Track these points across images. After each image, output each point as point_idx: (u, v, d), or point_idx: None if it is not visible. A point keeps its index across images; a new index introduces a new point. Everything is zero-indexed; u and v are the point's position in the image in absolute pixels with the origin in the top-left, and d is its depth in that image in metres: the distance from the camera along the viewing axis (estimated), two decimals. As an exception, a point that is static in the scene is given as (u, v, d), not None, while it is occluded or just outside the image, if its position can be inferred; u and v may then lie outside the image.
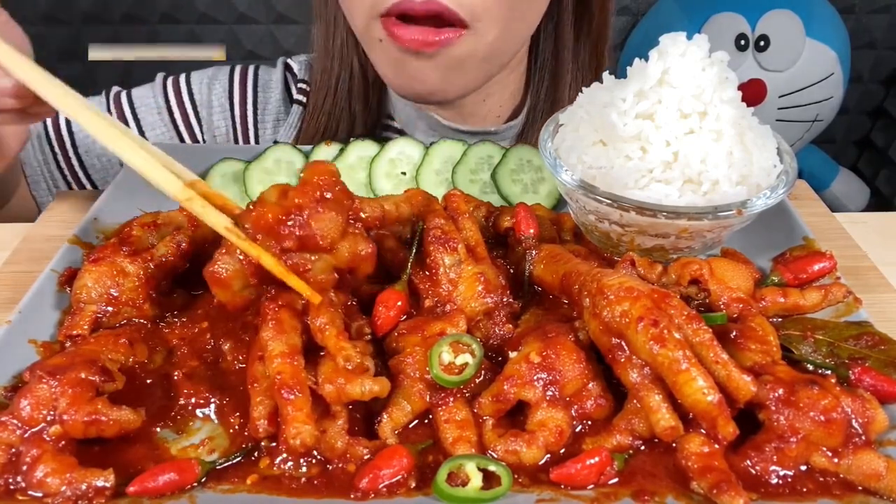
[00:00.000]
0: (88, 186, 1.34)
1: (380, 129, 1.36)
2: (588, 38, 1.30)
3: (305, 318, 0.73)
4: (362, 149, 1.06)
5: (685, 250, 0.90)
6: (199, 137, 1.36)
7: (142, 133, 1.33)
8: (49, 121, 1.32)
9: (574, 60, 1.30)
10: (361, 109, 1.31)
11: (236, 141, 1.37)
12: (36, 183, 1.32)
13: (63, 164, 1.33)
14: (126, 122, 1.32)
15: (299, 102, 1.36)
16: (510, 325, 0.78)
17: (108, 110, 1.34)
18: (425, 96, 1.15)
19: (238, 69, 1.42)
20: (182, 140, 1.35)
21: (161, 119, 1.35)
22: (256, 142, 1.37)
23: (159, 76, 1.40)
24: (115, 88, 1.37)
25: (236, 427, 0.71)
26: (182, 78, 1.39)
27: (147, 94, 1.36)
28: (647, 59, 0.86)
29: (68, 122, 1.33)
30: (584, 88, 0.93)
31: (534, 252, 0.86)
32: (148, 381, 0.76)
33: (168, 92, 1.37)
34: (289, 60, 1.45)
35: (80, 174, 1.34)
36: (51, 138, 1.32)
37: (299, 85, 1.38)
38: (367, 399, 0.68)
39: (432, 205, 0.88)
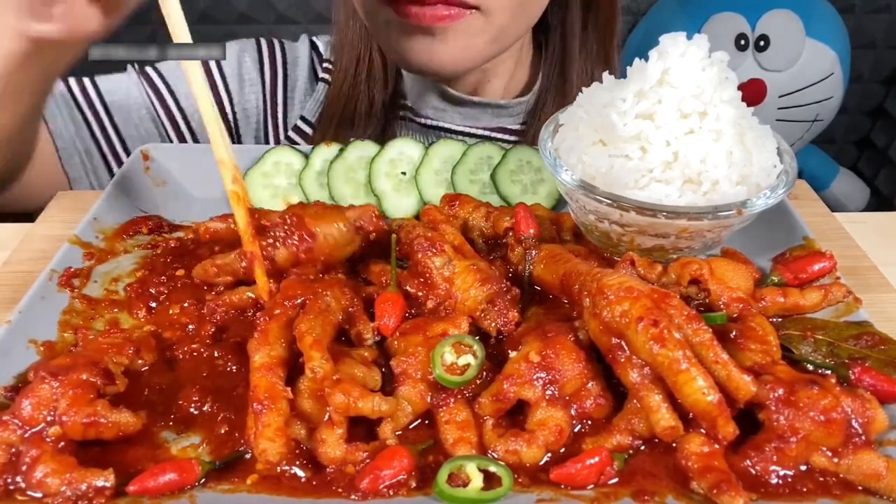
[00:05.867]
0: (124, 157, 1.28)
1: (394, 108, 1.38)
2: (595, 30, 1.34)
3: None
4: (362, 149, 1.06)
5: (685, 250, 0.90)
6: (229, 111, 1.36)
7: (177, 101, 1.33)
8: (74, 83, 1.28)
9: (582, 50, 1.35)
10: (379, 90, 1.34)
11: (265, 116, 1.38)
12: (69, 157, 1.26)
13: (98, 133, 1.28)
14: (160, 94, 1.32)
15: (325, 81, 1.39)
16: (515, 312, 0.78)
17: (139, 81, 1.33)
18: (435, 71, 1.16)
19: (264, 43, 1.41)
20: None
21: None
22: (284, 117, 1.39)
23: None
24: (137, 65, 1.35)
25: (233, 434, 0.70)
26: None
27: (174, 66, 1.33)
28: (647, 59, 0.86)
29: (96, 86, 1.30)
30: (583, 88, 0.93)
31: (534, 252, 0.86)
32: (150, 385, 0.76)
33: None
34: (314, 38, 1.47)
35: (117, 144, 1.30)
36: (80, 104, 1.27)
37: (325, 65, 1.41)
38: (374, 417, 0.68)
39: (407, 223, 0.91)
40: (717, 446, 0.65)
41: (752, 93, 2.47)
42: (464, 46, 1.11)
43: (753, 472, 0.65)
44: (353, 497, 0.64)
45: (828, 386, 0.67)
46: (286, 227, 0.83)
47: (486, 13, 1.08)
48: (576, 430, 0.70)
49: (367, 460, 0.66)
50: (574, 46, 1.34)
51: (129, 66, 1.35)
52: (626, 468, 0.66)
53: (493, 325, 0.77)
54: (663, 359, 0.65)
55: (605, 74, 0.92)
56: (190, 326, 0.82)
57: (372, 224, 0.86)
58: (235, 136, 1.39)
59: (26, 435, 0.66)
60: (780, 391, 0.66)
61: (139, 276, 0.90)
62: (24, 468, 0.64)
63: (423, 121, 1.37)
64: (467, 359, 0.71)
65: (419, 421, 0.72)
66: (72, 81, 1.28)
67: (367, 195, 1.04)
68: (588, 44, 1.35)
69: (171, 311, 0.85)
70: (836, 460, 0.65)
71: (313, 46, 1.46)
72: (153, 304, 0.86)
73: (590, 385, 0.70)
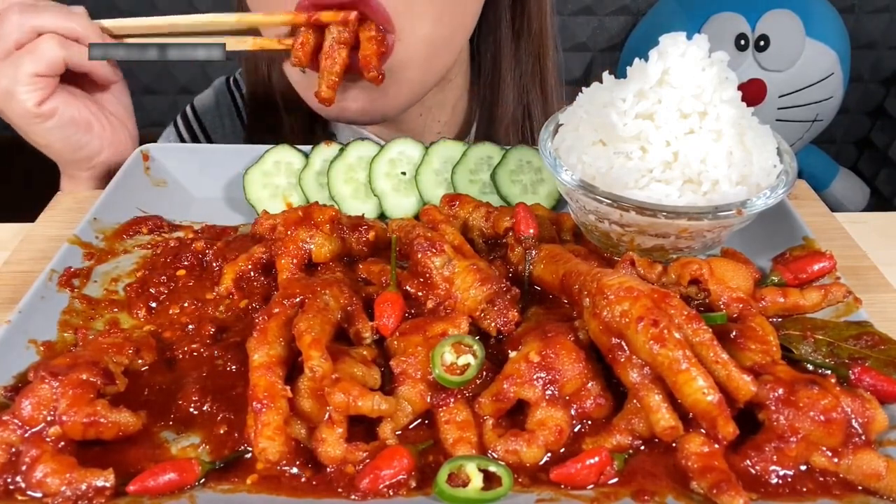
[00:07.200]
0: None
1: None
2: (528, 51, 1.28)
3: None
4: (362, 149, 1.06)
5: (685, 250, 0.90)
6: None
7: None
8: None
9: (513, 73, 1.28)
10: (297, 132, 1.30)
11: None
12: None
13: None
14: None
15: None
16: (515, 312, 0.78)
17: None
18: (357, 117, 1.11)
19: (179, 119, 1.46)
20: None
21: None
22: None
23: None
24: None
25: (233, 434, 0.70)
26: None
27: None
28: (647, 59, 0.86)
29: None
30: (583, 88, 0.93)
31: (534, 252, 0.86)
32: (150, 385, 0.76)
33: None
34: (236, 76, 1.44)
35: None
36: None
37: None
38: (374, 416, 0.68)
39: (407, 223, 0.90)
40: (717, 446, 0.65)
41: (752, 93, 2.47)
42: (386, 85, 1.05)
43: (753, 472, 0.65)
44: (353, 497, 0.63)
45: (828, 386, 0.67)
46: None
47: (403, 33, 1.01)
48: (576, 430, 0.70)
49: (367, 460, 0.66)
50: (506, 71, 1.27)
51: None
52: (626, 468, 0.66)
53: (493, 325, 0.77)
54: (663, 359, 0.65)
55: (605, 74, 0.92)
56: (190, 326, 0.83)
57: None
58: None
59: (26, 435, 0.66)
60: (780, 391, 0.66)
61: (139, 276, 0.90)
62: (24, 468, 0.64)
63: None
64: (467, 359, 0.71)
65: (419, 421, 0.71)
66: None
67: (367, 195, 1.04)
68: (520, 68, 1.29)
69: (171, 311, 0.85)
70: (836, 460, 0.65)
71: (234, 84, 1.45)
72: (153, 304, 0.86)
73: (590, 385, 0.70)
